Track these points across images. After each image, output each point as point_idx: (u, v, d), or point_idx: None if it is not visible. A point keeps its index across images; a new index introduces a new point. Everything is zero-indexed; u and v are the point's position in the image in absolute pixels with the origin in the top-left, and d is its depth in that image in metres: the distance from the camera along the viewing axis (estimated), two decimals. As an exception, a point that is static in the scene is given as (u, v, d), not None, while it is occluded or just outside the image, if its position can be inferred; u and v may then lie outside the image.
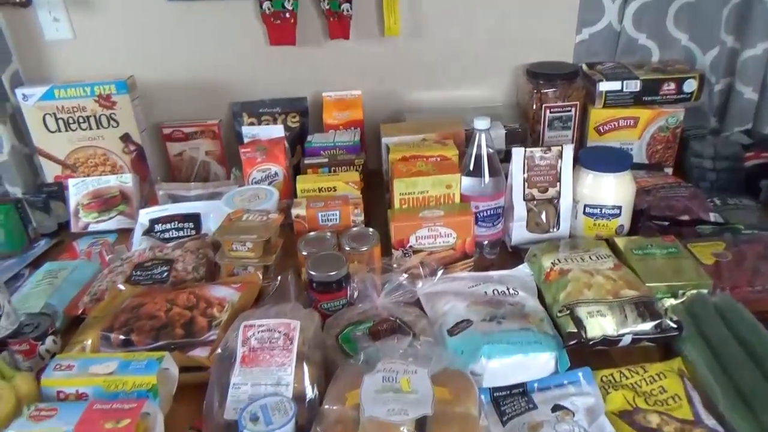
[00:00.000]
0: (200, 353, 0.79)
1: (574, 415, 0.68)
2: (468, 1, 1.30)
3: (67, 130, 1.24)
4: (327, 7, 1.24)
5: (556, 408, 0.69)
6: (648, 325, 0.78)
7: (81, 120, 1.24)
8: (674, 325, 0.78)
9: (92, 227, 1.20)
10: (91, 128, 1.25)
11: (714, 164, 1.21)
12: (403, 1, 1.27)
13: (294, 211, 1.01)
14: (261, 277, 0.94)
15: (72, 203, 1.21)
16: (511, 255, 1.05)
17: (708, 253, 0.94)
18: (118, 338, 0.80)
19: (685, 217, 1.04)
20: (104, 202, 1.21)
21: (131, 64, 1.30)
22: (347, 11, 1.24)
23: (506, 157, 1.05)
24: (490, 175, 0.99)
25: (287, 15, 1.24)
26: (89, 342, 0.82)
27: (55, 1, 1.24)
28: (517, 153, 1.01)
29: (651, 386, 0.72)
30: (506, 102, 1.40)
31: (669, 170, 1.27)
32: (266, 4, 1.23)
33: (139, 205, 1.22)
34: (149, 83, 1.32)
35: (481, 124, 0.97)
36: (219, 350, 0.76)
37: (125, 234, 1.16)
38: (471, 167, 1.00)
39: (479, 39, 1.34)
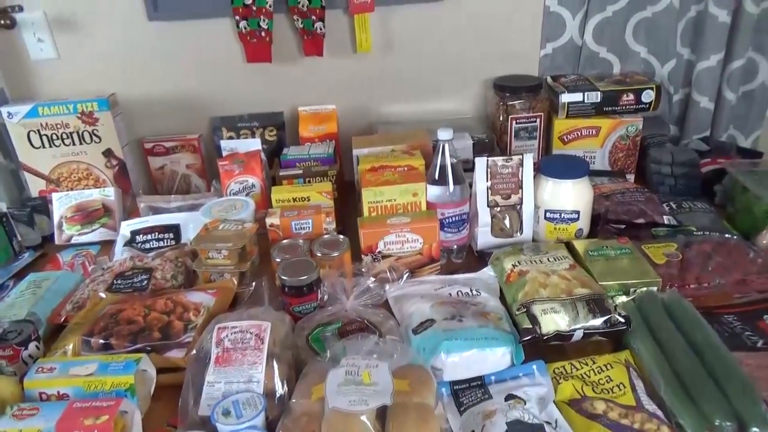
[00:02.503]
0: (176, 354, 0.83)
1: (525, 403, 0.72)
2: (437, 18, 1.36)
3: (51, 146, 1.29)
4: (301, 26, 1.30)
5: (509, 397, 0.74)
6: (598, 321, 0.83)
7: (64, 136, 1.28)
8: (623, 320, 0.83)
9: (75, 239, 1.23)
10: (74, 144, 1.29)
11: (672, 170, 1.27)
12: (375, 18, 1.33)
13: (268, 220, 1.06)
14: (236, 283, 0.98)
15: (56, 216, 1.25)
16: (477, 259, 1.10)
17: (660, 254, 1.00)
18: (98, 342, 0.84)
19: (641, 221, 1.10)
20: (87, 215, 1.25)
21: (114, 82, 1.35)
22: (320, 29, 1.30)
23: (473, 167, 1.11)
24: (455, 183, 1.04)
25: (263, 34, 1.29)
26: (70, 347, 0.85)
27: (40, 22, 1.29)
28: (480, 162, 1.06)
29: (598, 376, 0.77)
30: (475, 114, 1.46)
31: (631, 177, 1.33)
32: (243, 24, 1.28)
33: (122, 217, 1.26)
34: (131, 100, 1.37)
35: (444, 134, 1.03)
36: (194, 351, 0.80)
37: (108, 245, 1.20)
38: (436, 176, 1.05)
39: (448, 54, 1.40)
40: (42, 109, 1.25)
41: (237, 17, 1.27)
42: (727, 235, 1.05)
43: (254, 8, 1.26)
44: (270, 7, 1.27)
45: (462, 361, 0.79)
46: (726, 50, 1.34)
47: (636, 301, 0.90)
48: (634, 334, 0.84)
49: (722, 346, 0.78)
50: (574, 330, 0.82)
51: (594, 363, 0.79)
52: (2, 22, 1.21)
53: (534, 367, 0.79)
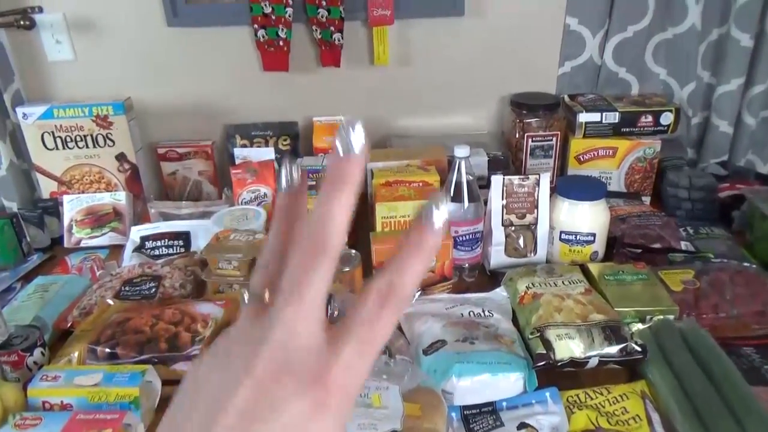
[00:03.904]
0: (183, 367, 0.81)
1: (538, 433, 0.71)
2: (456, 33, 1.35)
3: (64, 148, 1.28)
4: (319, 36, 1.29)
5: (522, 426, 0.72)
6: (614, 349, 0.81)
7: (78, 139, 1.28)
8: (639, 349, 0.81)
9: (85, 243, 1.23)
10: (87, 147, 1.29)
11: (689, 194, 1.25)
12: (393, 31, 1.33)
13: (280, 232, 1.04)
14: (246, 294, 0.97)
15: (66, 219, 1.25)
16: (489, 278, 1.09)
17: (677, 280, 0.98)
18: (104, 351, 0.83)
19: (658, 245, 1.08)
20: (97, 219, 1.25)
21: (129, 86, 1.35)
22: (338, 40, 1.29)
23: (488, 184, 1.09)
24: (470, 200, 1.03)
25: (281, 43, 1.29)
26: (76, 354, 0.84)
27: (59, 23, 1.29)
28: (496, 180, 1.05)
29: (614, 407, 0.75)
30: (491, 130, 1.45)
31: (647, 199, 1.31)
32: (261, 32, 1.28)
33: (132, 222, 1.25)
34: (146, 104, 1.37)
35: (460, 152, 1.02)
36: (201, 364, 0.79)
37: (117, 250, 1.19)
38: (451, 193, 1.04)
39: (466, 69, 1.39)
40: (57, 110, 1.25)
41: (256, 26, 1.27)
42: (745, 264, 1.03)
43: (273, 17, 1.26)
44: (289, 16, 1.26)
45: (473, 386, 0.77)
46: (747, 75, 1.32)
47: (652, 329, 0.88)
48: (650, 364, 0.82)
49: (741, 380, 0.76)
50: (589, 357, 0.81)
51: (609, 393, 0.77)
52: (22, 22, 1.21)
53: (547, 394, 0.78)
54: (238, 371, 0.26)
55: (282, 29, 1.27)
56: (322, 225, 0.28)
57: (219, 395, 0.26)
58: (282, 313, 0.27)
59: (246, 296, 0.31)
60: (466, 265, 1.08)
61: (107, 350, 0.83)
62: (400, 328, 0.93)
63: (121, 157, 1.31)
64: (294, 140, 1.39)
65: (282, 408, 0.26)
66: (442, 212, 0.29)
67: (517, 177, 1.05)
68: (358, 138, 0.28)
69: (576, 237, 1.06)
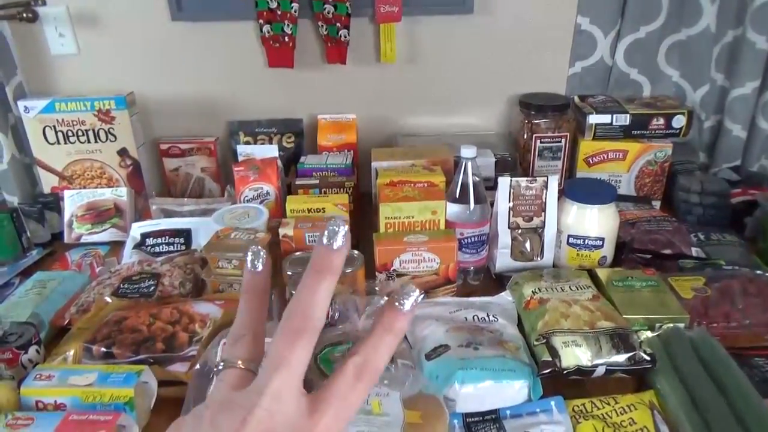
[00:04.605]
0: (179, 368, 0.80)
1: (542, 444, 0.68)
2: (465, 31, 1.33)
3: (66, 143, 1.27)
4: (325, 32, 1.27)
5: (526, 436, 0.70)
6: (622, 357, 0.79)
7: (80, 133, 1.26)
8: (648, 358, 0.79)
9: (85, 239, 1.21)
10: (89, 141, 1.27)
11: (700, 199, 1.22)
12: (400, 29, 1.30)
13: (282, 231, 1.03)
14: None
15: (67, 214, 1.23)
16: (494, 282, 1.06)
17: (688, 288, 0.95)
18: (100, 350, 0.81)
19: (668, 251, 1.06)
20: (98, 215, 1.23)
21: (133, 80, 1.33)
22: (345, 37, 1.27)
23: (495, 185, 1.07)
24: (476, 202, 1.01)
25: (286, 39, 1.27)
26: (71, 353, 0.83)
27: (62, 17, 1.27)
28: (503, 182, 1.03)
29: (621, 417, 0.73)
30: (499, 130, 1.43)
31: (657, 204, 1.29)
32: (266, 28, 1.26)
33: (133, 218, 1.24)
34: (149, 99, 1.35)
35: (467, 152, 0.99)
36: (197, 366, 0.77)
37: (117, 246, 1.18)
38: (457, 194, 1.01)
39: (474, 68, 1.37)
40: (59, 104, 1.24)
41: (261, 21, 1.25)
42: (758, 272, 1.00)
43: (279, 12, 1.24)
44: (295, 12, 1.24)
45: (477, 393, 0.75)
46: (762, 78, 1.29)
47: (662, 337, 0.86)
48: (659, 373, 0.79)
49: (754, 392, 0.74)
50: (596, 365, 0.78)
51: (616, 403, 0.75)
52: (24, 15, 1.20)
53: (552, 403, 0.75)
54: None
55: (288, 25, 1.25)
56: (307, 306, 0.32)
57: None
58: (270, 382, 0.30)
59: (220, 366, 0.35)
60: (471, 268, 1.05)
61: (103, 349, 0.81)
62: (402, 332, 0.91)
63: (122, 153, 1.29)
64: (298, 138, 1.38)
65: None
66: (413, 298, 0.34)
67: (525, 179, 1.03)
68: (343, 233, 0.33)
69: (584, 241, 1.03)
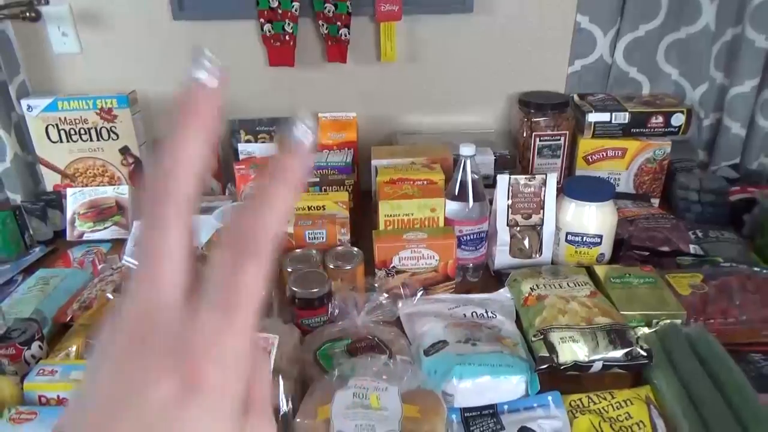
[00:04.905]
0: (180, 363, 0.80)
1: (539, 438, 0.69)
2: (465, 30, 1.33)
3: (68, 141, 1.28)
4: (326, 31, 1.28)
5: (523, 430, 0.71)
6: (619, 353, 0.79)
7: (82, 131, 1.27)
8: (644, 354, 0.80)
9: (87, 236, 1.22)
10: (91, 140, 1.28)
11: (699, 197, 1.23)
12: (400, 27, 1.31)
13: (282, 228, 1.03)
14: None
15: (69, 212, 1.24)
16: (493, 279, 1.07)
17: (685, 284, 0.96)
18: (102, 346, 0.82)
19: (666, 248, 1.06)
20: (100, 212, 1.24)
21: (135, 79, 1.34)
22: (345, 36, 1.28)
23: (494, 183, 1.08)
24: (475, 200, 1.02)
25: (287, 37, 1.28)
26: (74, 348, 0.84)
27: (65, 15, 1.28)
28: (502, 180, 1.03)
29: (617, 412, 0.73)
30: (498, 129, 1.43)
31: (656, 201, 1.29)
32: (267, 27, 1.27)
33: (135, 216, 1.24)
34: (152, 97, 1.36)
35: (466, 150, 1.00)
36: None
37: (119, 244, 1.19)
38: (456, 192, 1.02)
39: (474, 66, 1.37)
40: (61, 103, 1.25)
41: (262, 20, 1.26)
42: (756, 269, 1.01)
43: (280, 11, 1.25)
44: (296, 11, 1.25)
45: (474, 388, 0.76)
46: (762, 76, 1.30)
47: (659, 333, 0.86)
48: (655, 369, 0.80)
49: (750, 388, 0.74)
50: (593, 361, 0.79)
51: (613, 398, 0.76)
52: (27, 14, 1.21)
53: (549, 398, 0.76)
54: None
55: (288, 24, 1.26)
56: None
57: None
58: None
59: None
60: (470, 265, 1.06)
61: (105, 345, 0.82)
62: (401, 328, 0.92)
63: (125, 151, 1.30)
64: (299, 136, 1.38)
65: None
66: (308, 126, 0.24)
67: (524, 176, 1.03)
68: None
69: (582, 238, 1.04)
